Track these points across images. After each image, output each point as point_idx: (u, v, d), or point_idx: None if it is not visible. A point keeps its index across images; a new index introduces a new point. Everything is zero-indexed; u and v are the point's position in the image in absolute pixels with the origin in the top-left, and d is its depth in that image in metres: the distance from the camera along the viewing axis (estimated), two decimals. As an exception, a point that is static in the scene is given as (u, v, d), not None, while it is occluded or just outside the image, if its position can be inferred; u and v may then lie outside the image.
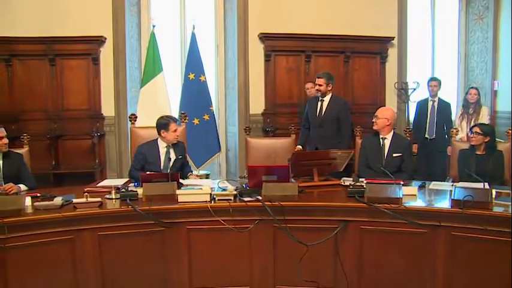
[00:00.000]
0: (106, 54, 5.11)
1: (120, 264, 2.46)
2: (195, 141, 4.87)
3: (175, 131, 3.32)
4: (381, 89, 5.65)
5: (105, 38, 5.08)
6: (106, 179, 4.37)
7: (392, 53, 5.68)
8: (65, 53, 5.02)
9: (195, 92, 4.95)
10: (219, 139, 5.08)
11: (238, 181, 3.08)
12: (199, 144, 4.82)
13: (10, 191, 2.78)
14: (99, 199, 2.50)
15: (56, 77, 5.05)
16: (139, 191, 2.61)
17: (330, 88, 3.98)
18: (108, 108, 5.17)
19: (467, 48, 6.07)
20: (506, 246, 2.25)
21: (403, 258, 2.46)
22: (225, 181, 3.10)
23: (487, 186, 2.49)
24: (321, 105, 4.00)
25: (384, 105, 5.31)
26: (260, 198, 2.54)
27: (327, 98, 3.99)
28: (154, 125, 3.43)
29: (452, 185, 2.79)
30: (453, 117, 4.94)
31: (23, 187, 2.94)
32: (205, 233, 2.53)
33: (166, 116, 3.45)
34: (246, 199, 2.55)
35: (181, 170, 3.30)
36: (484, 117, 4.61)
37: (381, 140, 3.38)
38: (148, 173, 3.06)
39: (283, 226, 2.47)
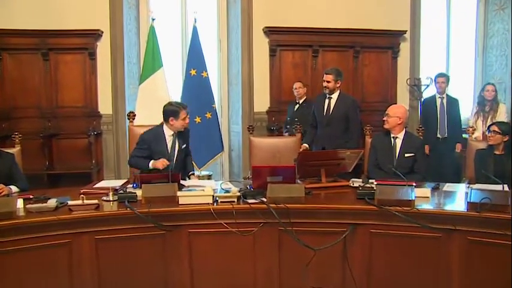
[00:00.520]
0: (103, 48, 5.12)
1: (118, 270, 2.46)
2: (197, 140, 4.86)
3: (184, 118, 3.29)
4: (392, 86, 5.64)
5: (102, 32, 5.09)
6: (103, 180, 4.37)
7: (405, 47, 5.67)
8: (60, 47, 5.02)
9: (196, 88, 4.96)
10: (221, 138, 5.09)
11: (242, 182, 3.08)
12: (201, 144, 4.83)
13: (1, 193, 2.77)
14: (95, 201, 2.51)
15: (50, 72, 5.05)
16: (139, 192, 2.62)
17: (338, 85, 3.98)
18: (105, 106, 5.18)
19: (486, 42, 6.01)
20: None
21: (416, 263, 2.46)
22: (228, 182, 3.11)
23: (506, 188, 2.47)
24: (329, 103, 3.99)
25: (395, 103, 5.31)
26: (265, 200, 2.54)
27: (334, 96, 3.98)
28: (154, 124, 3.44)
29: (468, 187, 2.79)
30: (461, 114, 4.93)
31: (14, 189, 2.92)
32: (207, 236, 2.53)
33: (176, 103, 3.41)
34: (250, 201, 2.55)
35: (185, 161, 3.31)
36: (502, 115, 4.59)
37: (392, 139, 3.37)
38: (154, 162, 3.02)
39: (289, 229, 2.47)
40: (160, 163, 3.16)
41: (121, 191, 2.71)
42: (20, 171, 3.11)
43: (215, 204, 2.54)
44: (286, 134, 4.79)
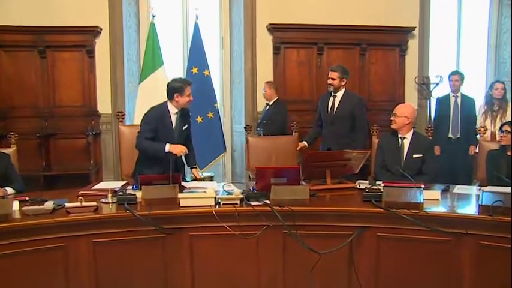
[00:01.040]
0: (102, 46, 5.14)
1: (116, 274, 2.47)
2: (198, 140, 4.85)
3: (189, 95, 3.31)
4: (400, 84, 5.64)
5: (101, 29, 5.11)
6: (102, 181, 4.37)
7: (413, 44, 5.66)
8: (57, 44, 5.03)
9: (198, 87, 4.93)
10: (224, 138, 5.09)
11: (245, 184, 3.08)
12: (202, 144, 4.82)
13: (-4, 195, 2.75)
14: (94, 203, 2.51)
15: (47, 70, 5.07)
16: (138, 194, 2.63)
17: (343, 83, 3.98)
18: (104, 105, 5.20)
19: (499, 38, 5.97)
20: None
21: (425, 268, 2.45)
22: (231, 184, 3.11)
23: (519, 190, 2.45)
24: (333, 101, 4.00)
25: (403, 102, 5.30)
26: (268, 202, 2.55)
27: (339, 94, 3.99)
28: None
29: (480, 189, 2.77)
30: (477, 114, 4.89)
31: (10, 190, 2.91)
32: (209, 239, 2.54)
33: (180, 79, 3.43)
34: (253, 203, 2.55)
35: (185, 145, 3.27)
36: None
37: (399, 139, 3.36)
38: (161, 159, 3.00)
39: (293, 232, 2.47)
40: (179, 149, 3.16)
41: (120, 193, 2.72)
42: (16, 172, 3.11)
43: (217, 206, 2.55)
44: (258, 134, 4.81)
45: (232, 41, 5.64)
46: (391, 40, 5.56)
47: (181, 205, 2.54)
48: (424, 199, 2.48)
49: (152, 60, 4.94)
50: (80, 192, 2.79)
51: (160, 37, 5.04)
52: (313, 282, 2.49)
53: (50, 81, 5.09)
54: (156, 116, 3.28)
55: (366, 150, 3.31)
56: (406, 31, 5.57)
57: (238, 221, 2.49)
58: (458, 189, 2.98)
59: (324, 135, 4.07)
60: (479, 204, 2.42)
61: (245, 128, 4.19)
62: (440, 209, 2.54)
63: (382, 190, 2.60)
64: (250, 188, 2.81)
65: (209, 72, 5.03)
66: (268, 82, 5.05)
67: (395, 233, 2.47)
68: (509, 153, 3.18)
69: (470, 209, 2.59)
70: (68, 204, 2.48)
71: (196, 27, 5.06)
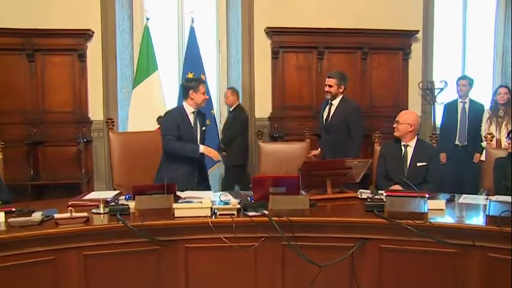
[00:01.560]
0: (94, 49, 5.16)
1: (108, 288, 2.46)
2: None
3: (204, 93, 3.44)
4: (403, 90, 5.67)
5: (93, 32, 5.13)
6: (93, 191, 4.39)
7: (417, 48, 5.71)
8: (47, 48, 5.04)
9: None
10: (221, 146, 5.10)
11: (242, 193, 3.09)
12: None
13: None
14: (85, 214, 2.50)
15: (36, 74, 5.06)
16: (131, 204, 2.63)
17: (341, 90, 3.97)
18: (96, 111, 5.21)
19: (506, 42, 6.02)
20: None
21: (430, 282, 2.45)
22: (228, 193, 3.11)
23: (528, 200, 2.45)
24: (329, 108, 4.02)
25: (407, 108, 5.35)
26: (267, 212, 2.55)
27: (336, 101, 3.99)
28: (144, 130, 3.47)
29: (487, 199, 2.79)
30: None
31: (-5, 200, 2.88)
32: (205, 251, 2.54)
33: (194, 77, 3.66)
34: (250, 214, 2.56)
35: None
36: None
37: (402, 147, 3.39)
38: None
39: (292, 244, 2.47)
40: (215, 154, 3.38)
41: (112, 203, 2.72)
42: (2, 182, 3.08)
43: (213, 217, 2.55)
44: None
45: (229, 45, 5.68)
46: (394, 44, 5.61)
47: (176, 216, 2.54)
48: (428, 209, 2.48)
49: (146, 64, 4.96)
50: (70, 203, 2.78)
51: (155, 41, 5.07)
52: (314, 296, 2.49)
53: (39, 86, 5.08)
54: (176, 115, 3.43)
55: (368, 158, 3.32)
56: (410, 34, 5.62)
57: (235, 233, 2.49)
58: (464, 198, 2.98)
59: (321, 143, 4.11)
60: (486, 215, 2.42)
61: (257, 133, 4.23)
62: (445, 219, 2.54)
63: (384, 200, 2.60)
64: (248, 197, 2.81)
65: (205, 78, 5.05)
66: (230, 88, 5.21)
67: (398, 245, 2.48)
68: (517, 161, 3.18)
69: (477, 219, 2.59)
70: (57, 215, 2.47)
71: (192, 30, 5.10)
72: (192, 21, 5.12)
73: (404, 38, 5.63)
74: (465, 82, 4.88)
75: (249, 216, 2.54)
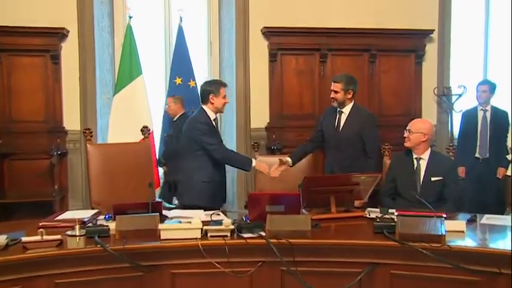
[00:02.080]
0: (69, 51, 5.15)
1: (84, 320, 2.45)
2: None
3: (224, 96, 3.58)
4: (416, 96, 5.71)
5: (68, 31, 5.13)
6: (68, 210, 4.37)
7: (432, 49, 5.74)
8: (15, 48, 5.00)
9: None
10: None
11: (237, 212, 3.10)
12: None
13: None
14: (58, 236, 2.50)
15: (2, 78, 5.02)
16: (112, 225, 2.63)
17: (349, 96, 3.78)
18: (71, 120, 5.20)
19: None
20: None
21: (447, 313, 2.45)
22: (220, 212, 3.12)
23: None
24: (339, 118, 3.82)
25: (420, 117, 5.35)
26: (264, 234, 2.56)
27: (346, 110, 3.80)
28: (130, 142, 3.49)
29: (514, 219, 2.78)
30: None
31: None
32: (194, 278, 2.54)
33: (213, 80, 3.80)
34: (245, 235, 2.57)
35: None
36: None
37: (414, 160, 3.40)
38: None
39: (292, 270, 2.48)
40: (265, 168, 3.54)
41: (90, 224, 2.73)
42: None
43: (204, 239, 2.55)
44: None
45: (222, 47, 5.72)
46: (406, 45, 5.65)
47: (162, 238, 2.55)
48: (446, 231, 2.49)
49: (129, 68, 4.99)
50: (40, 224, 2.77)
51: (139, 42, 5.10)
52: (317, 328, 2.49)
53: (6, 91, 5.03)
54: (207, 119, 3.55)
55: (377, 173, 3.33)
56: (423, 34, 5.66)
57: (228, 257, 2.49)
58: (487, 219, 2.97)
59: (328, 160, 3.90)
60: (514, 238, 2.43)
61: (253, 145, 4.23)
62: (466, 242, 2.56)
63: (395, 220, 2.62)
64: (243, 217, 2.83)
65: (195, 83, 5.09)
66: (172, 96, 5.13)
67: (412, 271, 2.48)
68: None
69: (503, 243, 2.58)
70: (25, 239, 2.45)
71: (180, 30, 5.14)
72: (181, 20, 5.16)
73: (417, 38, 5.66)
74: (486, 87, 4.87)
75: (243, 238, 2.55)
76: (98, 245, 2.45)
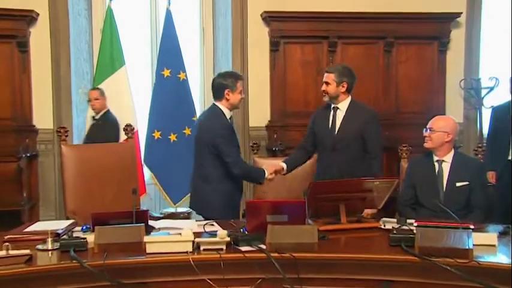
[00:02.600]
0: (39, 37, 5.14)
1: None
2: (172, 165, 4.93)
3: (241, 91, 3.62)
4: (439, 90, 5.75)
5: (38, 14, 5.11)
6: (39, 221, 4.37)
7: (458, 36, 5.76)
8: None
9: (171, 95, 5.04)
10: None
11: (233, 222, 3.11)
12: (177, 170, 4.88)
13: None
14: (27, 251, 2.49)
15: (-41, 68, 5.00)
16: (90, 238, 2.64)
17: (343, 90, 3.69)
18: (43, 118, 5.21)
19: None
20: None
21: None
22: (214, 223, 3.13)
23: None
24: (334, 116, 3.75)
25: (443, 114, 5.39)
26: (264, 247, 2.57)
27: (343, 106, 3.74)
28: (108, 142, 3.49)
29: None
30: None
31: None
32: (184, 298, 2.55)
33: (227, 72, 3.79)
34: (243, 249, 2.58)
35: None
36: None
37: (436, 163, 3.41)
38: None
39: (297, 287, 2.50)
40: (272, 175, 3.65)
41: (65, 236, 2.73)
42: None
43: (196, 253, 2.56)
44: None
45: (217, 35, 5.73)
46: (428, 31, 5.67)
47: (147, 252, 2.55)
48: (474, 244, 2.49)
49: (110, 58, 5.00)
50: (6, 237, 2.76)
51: (121, 27, 5.10)
52: None
53: (-36, 85, 5.01)
54: (226, 122, 3.59)
55: (393, 178, 3.34)
56: (448, 18, 5.67)
57: (223, 273, 2.50)
58: (523, 231, 2.96)
59: (323, 166, 3.83)
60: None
61: (252, 146, 4.25)
62: (498, 258, 2.54)
63: (415, 231, 2.62)
64: (240, 228, 2.83)
65: (186, 76, 5.10)
66: (96, 89, 5.03)
67: (434, 290, 2.49)
68: None
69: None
70: (-13, 254, 2.45)
71: (169, 15, 5.14)
72: (169, 3, 5.17)
73: (441, 23, 5.68)
74: None
75: (241, 251, 2.55)
76: (74, 261, 2.44)
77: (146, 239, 2.60)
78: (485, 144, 4.71)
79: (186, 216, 4.87)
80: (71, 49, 5.26)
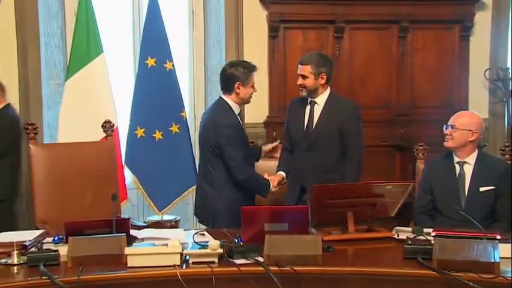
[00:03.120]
0: (2, 20, 5.09)
1: None
2: (157, 167, 4.92)
3: (253, 85, 3.68)
4: (460, 81, 5.74)
5: (-2, -8, 5.10)
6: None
7: (483, 19, 5.75)
8: None
9: (156, 87, 5.02)
10: (195, 164, 5.12)
11: (227, 231, 3.10)
12: (163, 173, 4.88)
13: None
14: (-12, 266, 2.52)
15: None
16: (62, 249, 2.64)
17: (322, 82, 3.72)
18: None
19: None
20: None
21: None
22: (205, 232, 3.14)
23: None
24: (311, 111, 3.79)
25: (466, 108, 5.39)
26: (261, 260, 2.58)
27: (321, 100, 3.76)
28: (87, 141, 3.48)
29: None
30: None
31: None
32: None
33: (240, 62, 3.86)
34: (238, 262, 2.59)
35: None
36: None
37: (456, 165, 3.42)
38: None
39: (298, 307, 2.50)
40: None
41: (33, 249, 2.73)
42: None
43: (184, 266, 2.57)
44: None
45: (208, 20, 5.72)
46: (448, 14, 5.66)
47: (129, 265, 2.56)
48: (500, 257, 2.49)
49: (86, 45, 4.97)
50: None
51: (98, 10, 5.08)
52: None
53: None
54: (234, 119, 3.65)
55: (409, 181, 3.34)
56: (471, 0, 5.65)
57: (215, 289, 2.51)
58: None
59: (297, 166, 3.88)
60: None
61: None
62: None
63: (433, 242, 2.63)
64: (235, 238, 2.84)
65: (173, 66, 5.09)
66: None
67: (454, 308, 2.50)
68: None
69: None
70: None
71: (154, -3, 5.13)
72: (154, -17, 5.17)
73: (463, 4, 5.67)
74: None
75: (235, 265, 2.57)
76: (44, 277, 2.44)
77: (127, 251, 2.61)
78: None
79: (173, 225, 4.85)
80: (41, 34, 5.20)
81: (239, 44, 5.44)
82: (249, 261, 2.59)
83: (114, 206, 2.93)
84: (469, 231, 2.75)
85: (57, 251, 2.64)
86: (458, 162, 3.41)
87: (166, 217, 4.98)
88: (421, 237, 2.76)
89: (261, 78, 5.38)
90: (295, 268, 2.52)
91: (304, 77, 3.70)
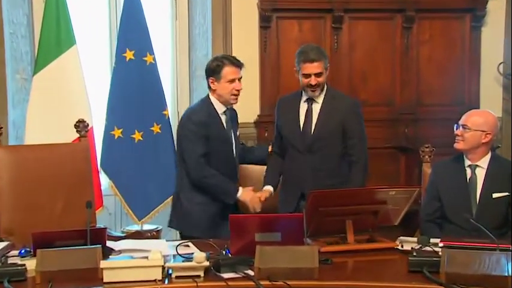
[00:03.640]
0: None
1: None
2: (136, 171, 4.91)
3: (232, 80, 3.67)
4: (471, 76, 5.78)
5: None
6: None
7: (496, 7, 5.76)
8: None
9: (135, 83, 5.02)
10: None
11: (213, 242, 3.11)
12: (143, 178, 4.87)
13: None
14: None
15: None
16: (30, 263, 2.64)
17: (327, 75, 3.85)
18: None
19: None
20: None
21: None
22: (190, 243, 3.14)
23: None
24: (309, 110, 3.83)
25: (478, 106, 5.43)
26: (252, 273, 2.59)
27: (319, 97, 3.82)
28: (53, 141, 3.48)
29: None
30: None
31: None
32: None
33: (223, 56, 3.91)
34: (226, 275, 2.59)
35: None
36: None
37: (467, 169, 3.44)
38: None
39: (292, 325, 2.51)
40: (255, 203, 3.70)
41: (-2, 262, 2.73)
42: None
43: (167, 281, 2.57)
44: None
45: (192, 7, 5.72)
46: (457, 2, 5.70)
47: (105, 280, 2.55)
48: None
49: (56, 36, 4.96)
50: None
51: (70, -1, 5.09)
52: None
53: None
54: (202, 117, 3.65)
55: (414, 187, 3.36)
56: (484, -14, 5.68)
57: (201, 306, 2.52)
58: None
59: (294, 171, 3.89)
60: None
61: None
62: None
63: (440, 254, 2.65)
64: (223, 250, 2.85)
65: (154, 59, 5.08)
66: None
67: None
68: None
69: None
70: None
71: (132, -17, 5.13)
72: (132, -32, 5.17)
73: (473, -7, 5.70)
74: None
75: (223, 279, 2.57)
76: (10, 293, 2.45)
77: (103, 264, 2.61)
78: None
79: (154, 235, 4.84)
80: (4, 23, 5.19)
81: (227, 36, 5.45)
82: (238, 275, 2.59)
83: (88, 214, 2.93)
84: (480, 242, 2.77)
85: (24, 265, 2.64)
86: (469, 166, 3.43)
87: (146, 227, 4.98)
88: (428, 248, 2.78)
89: (251, 74, 5.40)
90: (288, 282, 2.52)
91: (319, 74, 3.71)
